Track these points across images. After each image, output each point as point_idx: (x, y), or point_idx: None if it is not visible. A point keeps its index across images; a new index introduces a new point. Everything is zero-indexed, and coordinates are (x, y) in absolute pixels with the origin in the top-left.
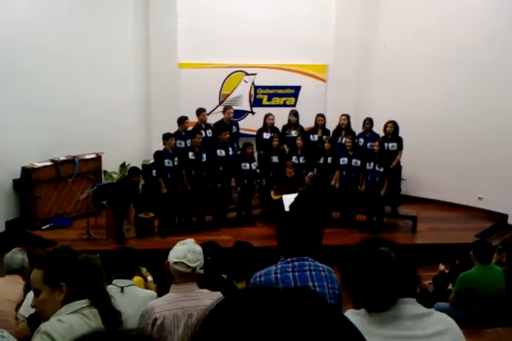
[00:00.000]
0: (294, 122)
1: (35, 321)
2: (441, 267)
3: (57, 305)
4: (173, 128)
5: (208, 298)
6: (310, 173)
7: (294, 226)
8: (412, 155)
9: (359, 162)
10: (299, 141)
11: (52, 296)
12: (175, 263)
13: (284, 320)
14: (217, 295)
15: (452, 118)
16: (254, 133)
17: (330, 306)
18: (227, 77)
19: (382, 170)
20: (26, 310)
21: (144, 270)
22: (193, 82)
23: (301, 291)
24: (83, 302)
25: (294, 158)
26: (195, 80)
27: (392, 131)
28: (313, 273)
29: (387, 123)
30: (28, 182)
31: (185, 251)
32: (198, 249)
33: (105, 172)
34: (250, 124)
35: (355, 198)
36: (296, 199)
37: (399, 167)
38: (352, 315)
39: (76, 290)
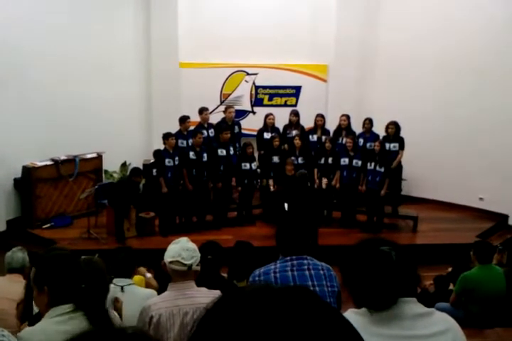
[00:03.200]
0: (294, 122)
1: (37, 321)
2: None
3: (43, 306)
4: (174, 127)
5: (205, 296)
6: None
7: (293, 225)
8: (412, 155)
9: (360, 162)
10: (297, 141)
11: (40, 297)
12: (170, 262)
13: (277, 317)
14: (215, 294)
15: (453, 118)
16: (255, 133)
17: (324, 304)
18: (228, 77)
19: (382, 170)
20: None
21: (141, 269)
22: (194, 82)
23: (294, 289)
24: (67, 307)
25: (292, 158)
26: (196, 80)
27: (394, 132)
28: (312, 271)
29: (389, 124)
30: (29, 182)
31: (179, 249)
32: (192, 246)
33: (106, 171)
34: (251, 124)
35: (356, 198)
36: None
37: (400, 167)
38: (352, 314)
39: (59, 293)
